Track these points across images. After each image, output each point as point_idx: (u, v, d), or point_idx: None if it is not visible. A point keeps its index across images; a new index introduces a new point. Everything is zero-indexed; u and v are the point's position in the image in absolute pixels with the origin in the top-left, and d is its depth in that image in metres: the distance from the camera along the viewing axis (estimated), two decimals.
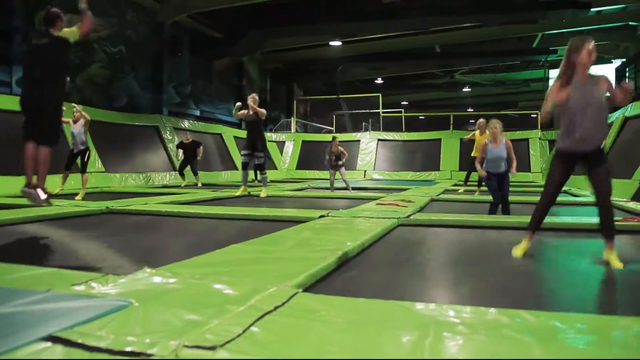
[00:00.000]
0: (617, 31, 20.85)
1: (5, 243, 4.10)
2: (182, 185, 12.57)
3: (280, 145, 21.13)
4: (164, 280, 2.41)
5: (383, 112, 22.80)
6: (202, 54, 19.01)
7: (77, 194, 8.21)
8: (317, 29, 18.61)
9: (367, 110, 23.59)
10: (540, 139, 18.59)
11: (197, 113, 19.16)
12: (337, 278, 2.88)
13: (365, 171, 19.42)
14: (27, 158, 3.74)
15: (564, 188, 11.87)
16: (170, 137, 15.11)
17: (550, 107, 3.59)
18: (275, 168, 19.39)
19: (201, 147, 12.70)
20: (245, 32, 18.07)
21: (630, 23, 18.82)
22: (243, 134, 19.47)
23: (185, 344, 1.56)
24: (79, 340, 1.58)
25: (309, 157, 20.07)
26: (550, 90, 3.61)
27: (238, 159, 17.80)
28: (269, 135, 20.06)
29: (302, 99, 27.69)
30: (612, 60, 23.26)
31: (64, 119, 9.50)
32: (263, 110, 8.45)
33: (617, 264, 3.28)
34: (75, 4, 4.23)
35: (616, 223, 4.70)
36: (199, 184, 12.65)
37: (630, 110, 11.16)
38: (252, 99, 8.44)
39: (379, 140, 20.37)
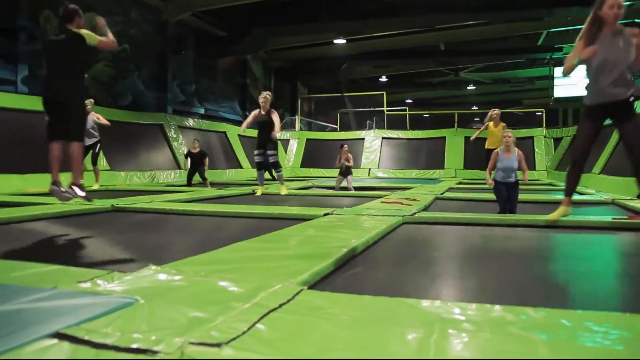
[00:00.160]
0: None
1: (12, 241, 4.12)
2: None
3: (285, 143, 21.13)
4: (169, 277, 2.41)
5: (387, 110, 22.76)
6: (207, 52, 19.03)
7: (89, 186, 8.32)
8: (321, 27, 18.60)
9: (372, 109, 23.54)
10: (545, 137, 18.52)
11: (202, 111, 19.19)
12: (342, 275, 2.88)
13: (369, 169, 19.39)
14: (53, 157, 3.75)
15: None
16: (175, 136, 15.13)
17: (575, 62, 3.59)
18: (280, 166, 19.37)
19: (207, 159, 12.70)
20: (249, 30, 18.08)
21: (636, 20, 18.72)
22: (247, 132, 19.49)
23: (190, 341, 1.56)
24: (86, 337, 1.59)
25: (314, 156, 20.05)
26: (577, 45, 3.60)
27: (243, 157, 17.83)
28: None
29: (307, 97, 27.69)
30: None
31: (95, 115, 9.70)
32: (277, 119, 7.80)
33: None
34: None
35: (621, 221, 4.70)
36: (209, 188, 12.69)
37: (637, 107, 11.09)
38: (264, 98, 7.93)
39: (383, 138, 20.34)
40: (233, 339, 1.58)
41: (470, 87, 33.25)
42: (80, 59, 3.90)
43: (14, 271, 2.56)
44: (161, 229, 4.94)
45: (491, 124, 10.15)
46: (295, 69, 25.85)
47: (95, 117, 9.91)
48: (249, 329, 1.68)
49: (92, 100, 9.64)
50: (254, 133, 19.75)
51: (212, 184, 12.17)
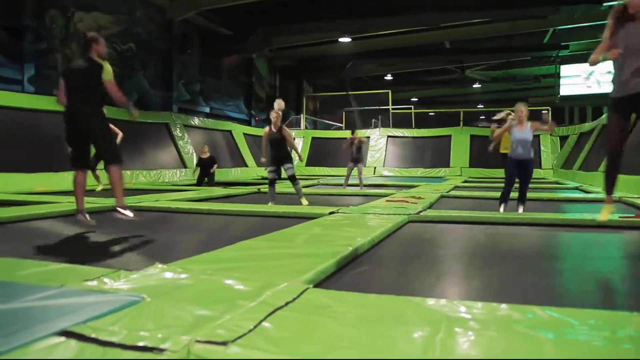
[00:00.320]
0: None
1: (19, 239, 4.14)
2: None
3: None
4: (175, 275, 2.42)
5: (393, 109, 22.72)
6: (212, 51, 19.05)
7: (93, 190, 8.33)
8: (326, 25, 18.58)
9: (377, 107, 23.50)
10: (551, 135, 18.44)
11: (207, 110, 19.22)
12: (347, 274, 2.88)
13: (375, 168, 19.36)
14: (77, 186, 3.76)
15: (576, 184, 11.72)
16: (180, 134, 15.16)
17: (600, 58, 3.58)
18: None
19: (216, 165, 12.67)
20: (254, 29, 18.08)
21: None
22: (252, 130, 19.56)
23: (197, 339, 1.57)
24: (92, 335, 1.59)
25: (319, 154, 20.05)
26: (604, 36, 3.58)
27: (248, 155, 17.85)
28: None
29: (312, 95, 27.67)
30: None
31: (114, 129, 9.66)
32: (291, 139, 7.36)
33: None
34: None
35: (628, 220, 4.68)
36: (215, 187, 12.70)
37: None
38: (276, 114, 7.17)
39: (388, 136, 20.31)
40: (239, 337, 1.59)
41: (476, 85, 33.14)
42: (98, 85, 3.91)
43: (21, 269, 2.58)
44: (167, 228, 4.95)
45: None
46: (301, 68, 25.84)
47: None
48: (255, 327, 1.69)
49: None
50: (258, 132, 19.84)
51: (218, 183, 12.19)
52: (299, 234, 3.82)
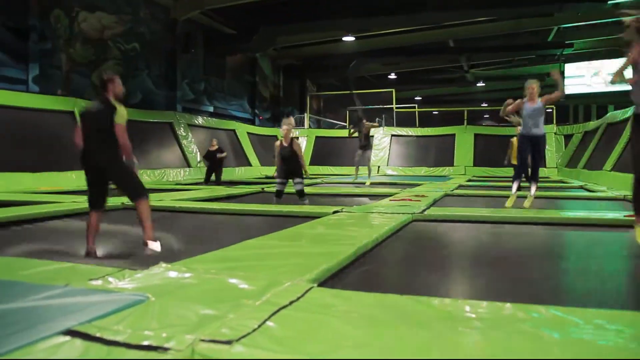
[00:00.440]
0: None
1: (23, 239, 4.16)
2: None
3: None
4: (179, 275, 2.42)
5: (396, 108, 22.68)
6: (215, 50, 19.06)
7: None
8: (329, 24, 18.56)
9: (381, 106, 23.46)
10: (555, 134, 18.38)
11: (211, 109, 19.23)
12: (351, 273, 2.88)
13: (378, 167, 19.32)
14: (90, 225, 3.77)
15: (580, 183, 11.64)
16: (184, 134, 15.18)
17: (618, 79, 3.54)
18: None
19: (224, 153, 12.69)
20: (258, 28, 18.07)
21: None
22: (256, 130, 19.56)
23: (201, 338, 1.57)
24: (97, 334, 1.60)
25: (323, 153, 20.03)
26: (629, 57, 3.52)
27: (252, 155, 17.86)
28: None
29: (315, 94, 27.65)
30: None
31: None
32: (301, 153, 7.30)
33: None
34: None
35: (633, 218, 4.65)
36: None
37: None
38: (287, 128, 7.13)
39: (392, 135, 20.27)
40: (243, 337, 1.59)
41: (480, 84, 33.07)
42: (114, 127, 3.93)
43: (26, 269, 2.58)
44: (171, 227, 4.96)
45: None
46: (304, 67, 25.82)
47: None
48: (259, 326, 1.69)
49: None
50: (263, 131, 19.82)
51: (222, 182, 12.21)
52: (303, 233, 3.82)
